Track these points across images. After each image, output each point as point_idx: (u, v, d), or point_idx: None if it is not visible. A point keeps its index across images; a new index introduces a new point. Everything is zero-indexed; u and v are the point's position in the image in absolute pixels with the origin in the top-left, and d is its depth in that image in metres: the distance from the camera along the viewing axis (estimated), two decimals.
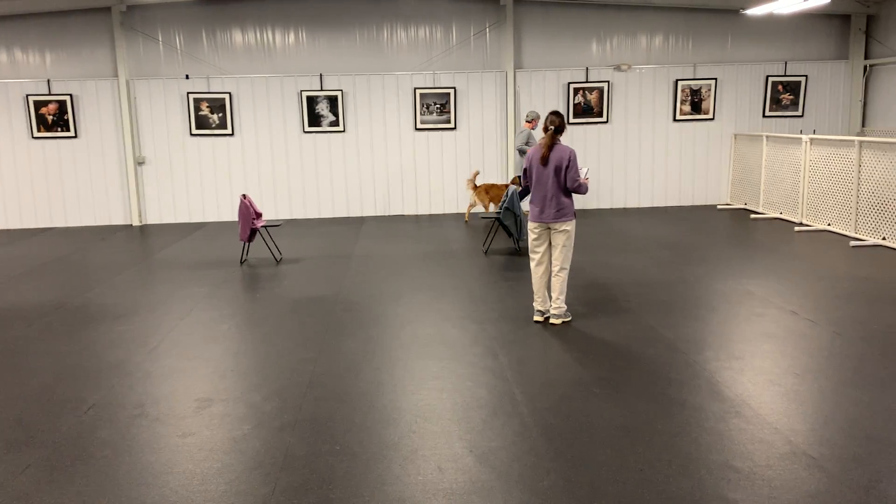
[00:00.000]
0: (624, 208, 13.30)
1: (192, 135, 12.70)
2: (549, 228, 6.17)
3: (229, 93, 12.62)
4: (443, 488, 3.60)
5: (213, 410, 4.62)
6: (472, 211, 12.61)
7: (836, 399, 4.57)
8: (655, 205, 13.43)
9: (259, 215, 9.20)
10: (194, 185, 12.89)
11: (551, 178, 6.05)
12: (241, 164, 12.88)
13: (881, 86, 12.97)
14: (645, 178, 13.36)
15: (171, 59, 12.61)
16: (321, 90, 12.69)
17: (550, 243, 6.24)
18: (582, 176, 6.20)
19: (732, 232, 10.62)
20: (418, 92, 12.78)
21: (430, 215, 12.99)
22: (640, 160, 13.31)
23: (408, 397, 4.75)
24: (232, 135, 12.76)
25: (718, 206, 13.13)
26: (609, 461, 3.82)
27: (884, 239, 9.31)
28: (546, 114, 6.22)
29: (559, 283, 6.23)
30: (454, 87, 12.82)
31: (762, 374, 5.02)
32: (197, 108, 12.60)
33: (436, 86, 12.83)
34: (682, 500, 3.43)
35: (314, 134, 12.86)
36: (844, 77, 13.34)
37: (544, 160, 6.06)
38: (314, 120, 12.76)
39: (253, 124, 12.79)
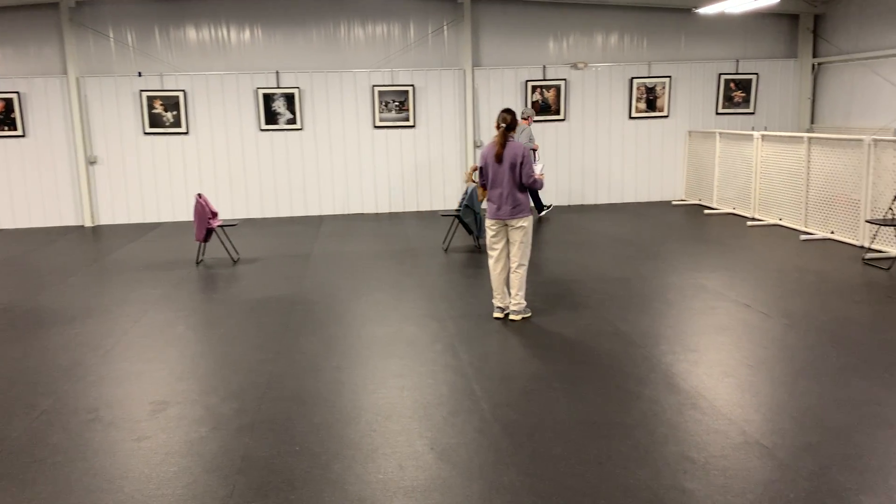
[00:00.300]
0: (581, 205, 13.43)
1: (145, 133, 12.45)
2: (507, 225, 6.21)
3: (183, 90, 12.40)
4: (403, 486, 3.60)
5: (169, 413, 4.54)
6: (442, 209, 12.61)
7: (788, 389, 4.69)
8: (613, 201, 13.59)
9: (215, 215, 9.07)
10: (148, 184, 12.64)
11: (506, 175, 6.08)
12: (197, 163, 12.68)
13: (829, 83, 13.32)
14: (602, 175, 13.51)
15: (122, 57, 12.33)
16: (278, 88, 12.55)
17: (508, 240, 6.27)
18: (537, 172, 6.25)
19: (687, 227, 10.81)
20: (377, 89, 12.73)
21: (391, 213, 12.96)
22: (598, 157, 13.46)
23: (368, 396, 4.73)
24: (187, 133, 12.54)
25: (674, 202, 13.35)
26: (568, 455, 3.86)
27: (832, 233, 9.57)
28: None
29: (518, 279, 6.26)
30: (413, 85, 12.80)
31: (717, 366, 5.13)
32: (150, 107, 12.36)
33: (394, 83, 12.79)
34: (640, 492, 3.48)
35: (271, 132, 12.72)
36: (794, 75, 13.67)
37: (498, 158, 6.09)
38: (271, 118, 12.62)
39: (208, 122, 12.59)
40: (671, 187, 13.72)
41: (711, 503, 3.36)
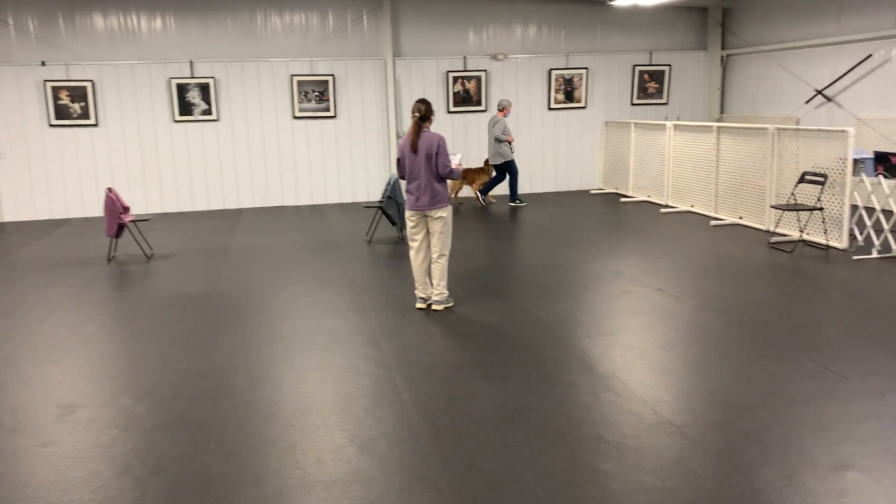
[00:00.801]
0: (505, 195, 13.57)
1: (51, 125, 11.88)
2: (426, 216, 6.21)
3: (91, 81, 11.89)
4: (322, 480, 3.57)
5: (77, 416, 4.36)
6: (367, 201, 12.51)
7: (698, 369, 4.87)
8: (533, 191, 13.80)
9: (126, 209, 8.74)
10: (55, 179, 12.07)
11: (423, 165, 6.06)
12: (107, 156, 12.19)
13: (737, 74, 13.87)
14: (523, 165, 13.68)
15: (24, 45, 11.71)
16: (192, 77, 12.18)
17: (428, 231, 6.28)
18: (454, 162, 6.27)
19: (604, 215, 11.08)
20: (295, 79, 12.51)
21: (312, 205, 12.79)
22: (519, 147, 13.61)
23: (287, 391, 4.66)
24: (96, 125, 12.03)
25: (592, 192, 13.66)
26: (488, 441, 3.91)
27: (741, 218, 9.99)
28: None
29: (439, 269, 6.29)
30: (332, 75, 12.64)
31: (631, 348, 5.28)
32: (56, 97, 11.79)
33: (314, 73, 12.60)
34: (556, 473, 3.55)
35: (185, 123, 12.34)
36: (704, 67, 14.17)
37: (414, 148, 6.07)
38: (185, 109, 12.24)
39: (119, 114, 12.11)
40: (589, 177, 14.03)
41: (624, 482, 3.46)
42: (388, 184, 9.36)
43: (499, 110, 11.85)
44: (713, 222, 10.07)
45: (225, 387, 4.76)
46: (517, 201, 12.26)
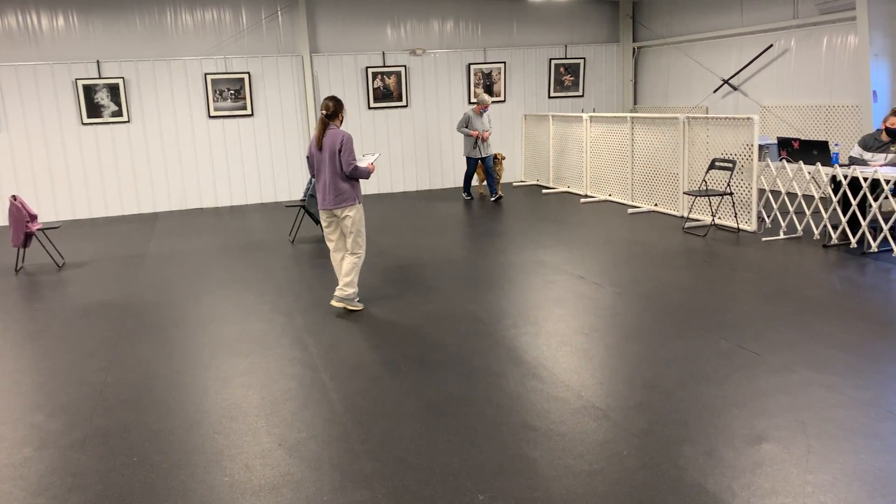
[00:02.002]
0: (429, 190, 13.61)
1: None
2: (335, 215, 6.11)
3: None
4: (251, 486, 3.50)
5: None
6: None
7: (620, 353, 5.01)
8: (458, 185, 13.87)
9: (34, 217, 8.34)
10: None
11: (327, 163, 5.94)
12: (11, 162, 11.59)
13: (648, 66, 14.29)
14: (447, 159, 13.75)
15: None
16: (99, 78, 11.71)
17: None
18: (370, 161, 6.16)
19: (527, 207, 11.25)
20: (209, 78, 12.19)
21: (232, 207, 12.50)
22: (441, 143, 13.67)
23: (211, 398, 4.55)
24: None
25: (514, 184, 13.84)
26: (418, 435, 3.92)
27: (656, 205, 10.31)
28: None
29: (348, 266, 6.13)
30: (248, 73, 12.38)
31: (555, 336, 5.38)
32: None
33: (228, 71, 12.30)
34: (487, 463, 3.59)
35: (94, 126, 11.85)
36: (617, 59, 14.54)
37: (319, 145, 5.96)
38: (94, 111, 11.76)
39: (22, 117, 11.53)
40: (511, 169, 14.20)
41: (553, 468, 3.53)
42: (310, 182, 9.24)
43: (474, 105, 11.74)
44: (630, 210, 10.36)
45: (146, 397, 4.61)
46: (466, 195, 12.21)
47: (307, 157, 6.20)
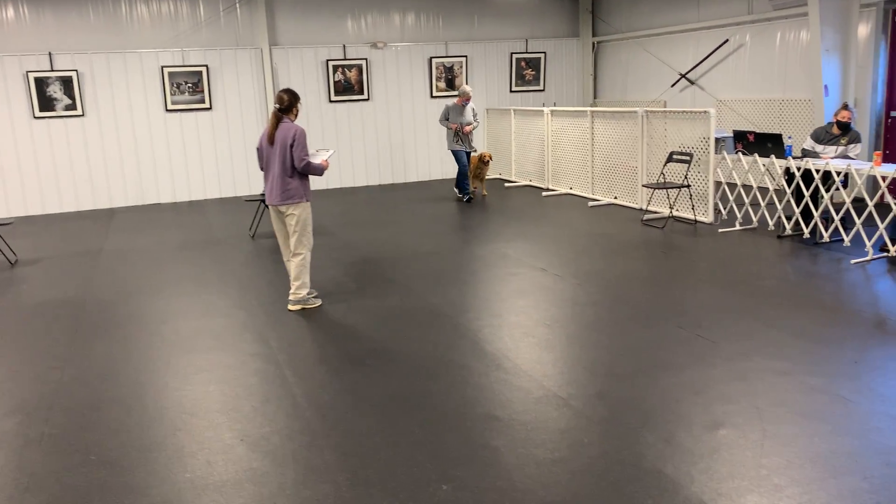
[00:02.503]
0: (392, 184, 13.58)
1: None
2: (280, 211, 5.98)
3: None
4: (213, 482, 3.47)
5: None
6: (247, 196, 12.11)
7: (581, 343, 5.07)
8: (421, 179, 13.86)
9: None
10: None
11: (277, 158, 5.79)
12: None
13: (607, 61, 14.44)
14: (409, 153, 13.72)
15: None
16: (52, 71, 11.41)
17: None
18: (323, 157, 6.03)
19: (490, 200, 11.29)
20: (166, 71, 11.97)
21: (191, 202, 12.31)
22: (404, 136, 13.63)
23: (171, 395, 4.49)
24: None
25: None
26: (381, 428, 3.92)
27: (616, 198, 10.44)
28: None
29: (295, 268, 5.99)
30: (206, 65, 12.18)
31: (518, 328, 5.43)
32: None
33: (185, 64, 12.10)
34: (449, 454, 3.61)
35: (47, 119, 11.55)
36: (577, 53, 14.66)
37: (271, 140, 5.81)
38: (46, 104, 11.46)
39: None
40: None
41: (515, 456, 3.56)
42: None
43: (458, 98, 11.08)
44: (591, 203, 10.47)
45: (104, 395, 4.52)
46: (467, 194, 11.29)
47: (257, 149, 6.05)
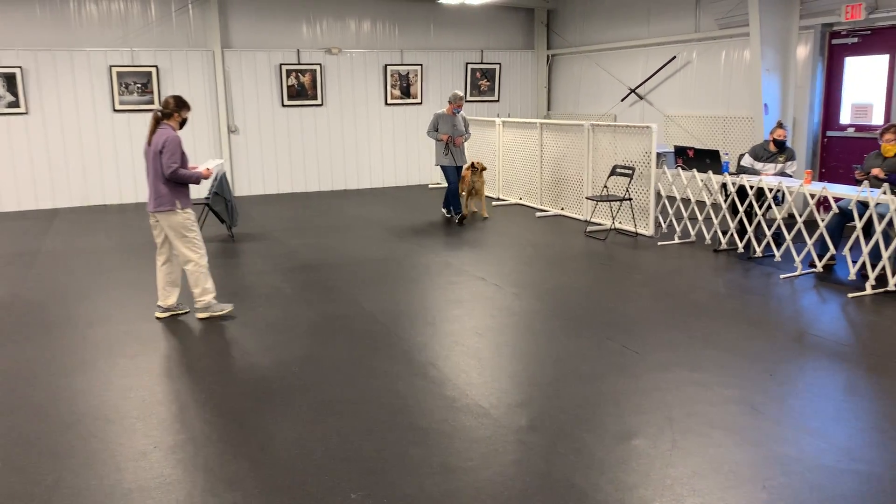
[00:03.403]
0: (344, 190, 13.54)
1: None
2: (157, 218, 5.80)
3: None
4: (121, 489, 3.42)
5: None
6: None
7: (509, 353, 5.12)
8: (374, 186, 13.86)
9: None
10: None
11: (151, 164, 5.66)
12: None
13: (561, 73, 14.62)
14: (362, 160, 13.70)
15: None
16: None
17: None
18: (208, 166, 5.84)
19: (439, 209, 11.33)
20: (115, 70, 11.79)
21: (137, 203, 12.12)
22: (357, 143, 13.62)
23: (90, 400, 4.42)
24: None
25: (430, 186, 13.91)
26: (299, 436, 3.91)
27: (562, 209, 10.57)
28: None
29: (190, 277, 5.82)
30: (156, 66, 12.03)
31: (449, 336, 5.46)
32: None
33: (135, 64, 11.93)
34: (364, 461, 3.61)
35: None
36: (532, 65, 14.81)
37: (149, 143, 5.69)
38: None
39: None
40: (428, 171, 14.27)
41: (428, 465, 3.58)
42: (215, 178, 9.06)
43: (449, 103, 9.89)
44: (538, 214, 10.58)
45: (20, 399, 4.43)
46: (449, 212, 10.22)
47: (144, 153, 5.90)
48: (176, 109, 5.70)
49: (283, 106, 12.96)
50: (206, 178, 5.82)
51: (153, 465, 3.63)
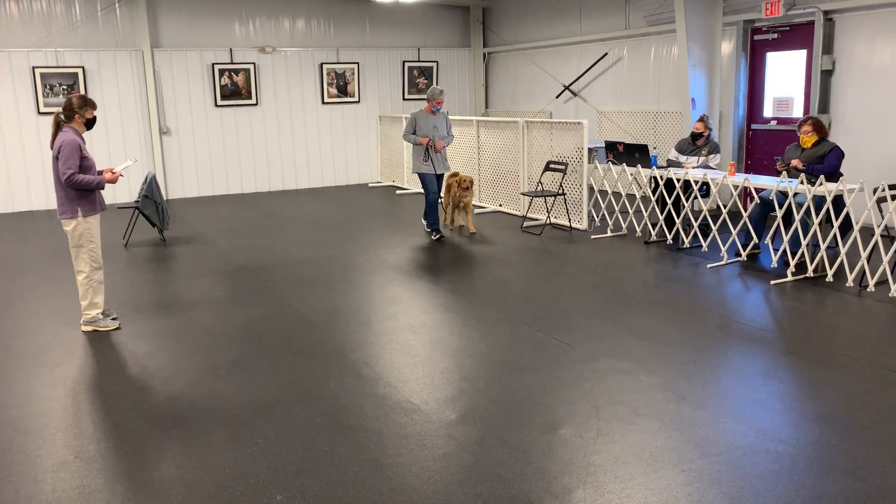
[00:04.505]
0: (282, 191, 13.39)
1: None
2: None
3: None
4: (38, 500, 3.32)
5: None
6: None
7: (443, 348, 5.15)
8: (312, 186, 13.74)
9: None
10: None
11: (53, 169, 5.41)
12: None
13: (498, 71, 14.74)
14: (300, 160, 13.57)
15: None
16: None
17: None
18: (120, 168, 5.68)
19: (379, 208, 11.31)
20: (38, 72, 11.40)
21: None
22: (294, 142, 13.48)
23: (7, 412, 4.27)
24: None
25: (370, 185, 13.87)
26: (225, 440, 3.85)
27: (500, 205, 10.66)
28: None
29: (80, 288, 5.59)
30: (83, 67, 11.68)
31: (383, 334, 5.46)
32: None
33: (60, 65, 11.56)
34: (291, 463, 3.59)
35: None
36: (469, 63, 14.89)
37: (52, 146, 5.43)
38: None
39: None
40: (367, 170, 14.22)
41: (357, 463, 3.58)
42: (145, 181, 8.85)
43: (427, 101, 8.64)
44: (477, 210, 10.65)
45: None
46: (432, 231, 8.77)
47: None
48: (77, 110, 5.40)
49: (217, 106, 12.73)
50: (112, 181, 5.51)
51: (73, 476, 3.54)
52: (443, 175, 8.81)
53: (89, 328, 5.69)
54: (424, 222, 8.96)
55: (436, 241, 8.52)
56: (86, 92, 11.65)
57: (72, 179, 5.28)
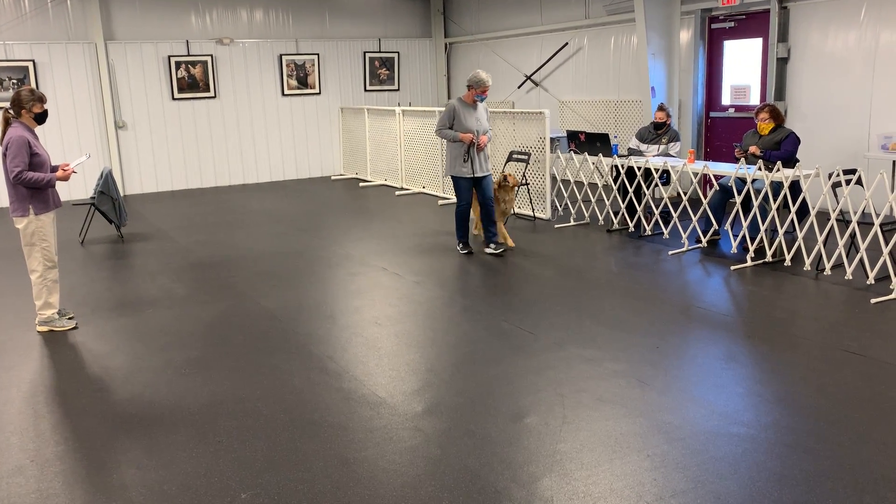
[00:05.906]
0: (243, 185, 13.21)
1: None
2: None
3: None
4: None
5: None
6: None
7: (408, 341, 5.12)
8: (274, 179, 13.57)
9: None
10: None
11: (2, 165, 5.25)
12: None
13: (460, 61, 14.70)
14: (261, 153, 13.40)
15: None
16: None
17: None
18: (72, 165, 5.51)
19: (342, 200, 11.22)
20: None
21: None
22: (254, 135, 13.29)
23: None
24: None
25: (333, 177, 13.75)
26: (188, 439, 3.78)
27: None
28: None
29: (35, 288, 5.44)
30: (33, 61, 11.36)
31: (348, 329, 5.41)
32: None
33: (8, 59, 11.22)
34: (255, 460, 3.54)
35: None
36: (430, 54, 14.83)
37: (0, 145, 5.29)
38: None
39: None
40: (330, 163, 14.10)
41: (322, 458, 3.54)
42: (101, 177, 8.65)
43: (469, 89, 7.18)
44: (441, 202, 10.63)
45: None
46: (462, 245, 7.54)
47: None
48: (24, 105, 5.22)
49: (174, 99, 12.49)
50: (63, 179, 5.35)
51: (29, 480, 3.44)
52: (481, 179, 7.30)
53: (45, 328, 5.55)
54: (459, 245, 7.57)
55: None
56: (37, 86, 11.34)
57: (20, 177, 5.12)
